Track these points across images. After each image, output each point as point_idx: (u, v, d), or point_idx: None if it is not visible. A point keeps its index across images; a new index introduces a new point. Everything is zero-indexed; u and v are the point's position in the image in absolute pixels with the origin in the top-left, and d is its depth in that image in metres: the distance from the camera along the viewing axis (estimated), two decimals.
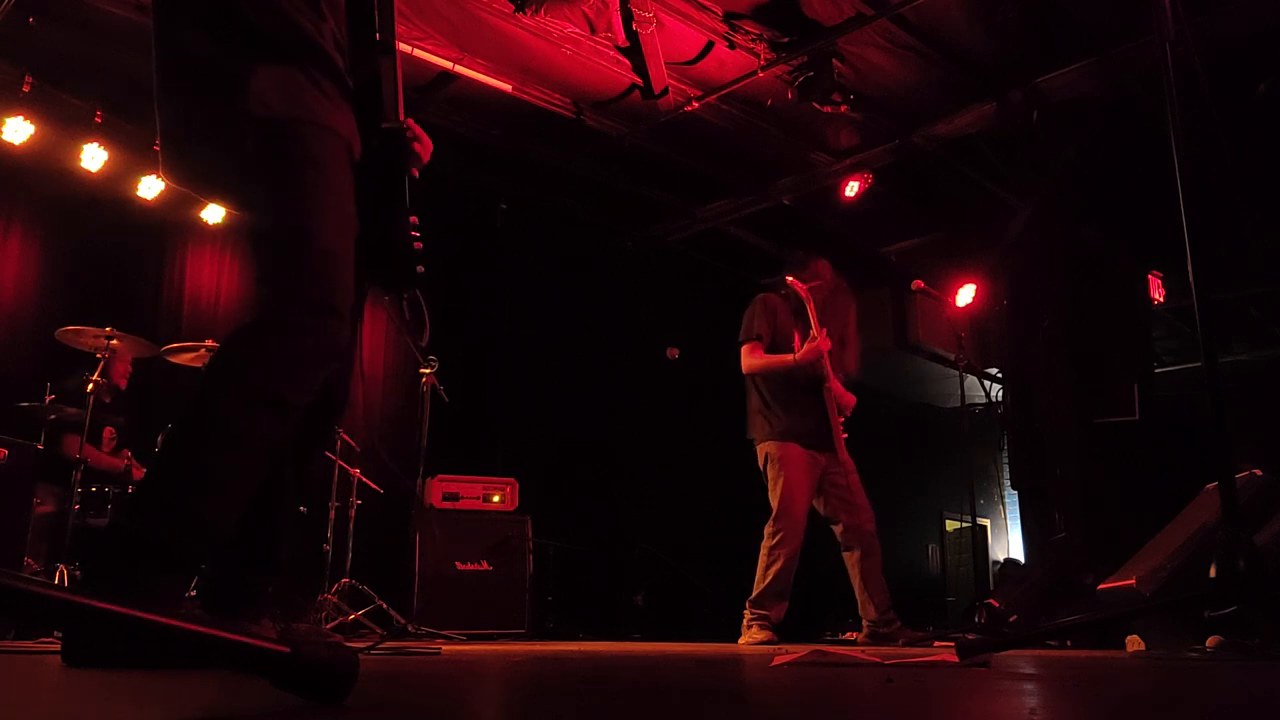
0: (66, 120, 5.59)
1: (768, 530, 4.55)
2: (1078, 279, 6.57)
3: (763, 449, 4.66)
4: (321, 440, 2.26)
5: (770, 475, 4.60)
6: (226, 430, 1.77)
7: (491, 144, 6.52)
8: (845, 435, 4.62)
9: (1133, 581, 3.30)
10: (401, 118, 2.07)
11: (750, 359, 4.65)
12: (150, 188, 5.90)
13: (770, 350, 4.62)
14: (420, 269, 2.10)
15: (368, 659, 2.12)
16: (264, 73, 1.88)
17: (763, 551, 4.53)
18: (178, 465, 1.77)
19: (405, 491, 5.06)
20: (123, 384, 4.99)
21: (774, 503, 4.56)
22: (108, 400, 4.87)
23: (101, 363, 4.53)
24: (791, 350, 4.57)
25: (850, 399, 4.74)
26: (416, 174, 2.19)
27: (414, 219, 2.08)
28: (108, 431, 5.00)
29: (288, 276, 1.89)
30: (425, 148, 2.19)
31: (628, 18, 5.24)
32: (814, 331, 4.50)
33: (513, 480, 5.61)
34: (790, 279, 4.60)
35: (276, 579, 2.05)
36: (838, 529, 4.63)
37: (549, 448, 6.90)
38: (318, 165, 1.91)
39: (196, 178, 2.04)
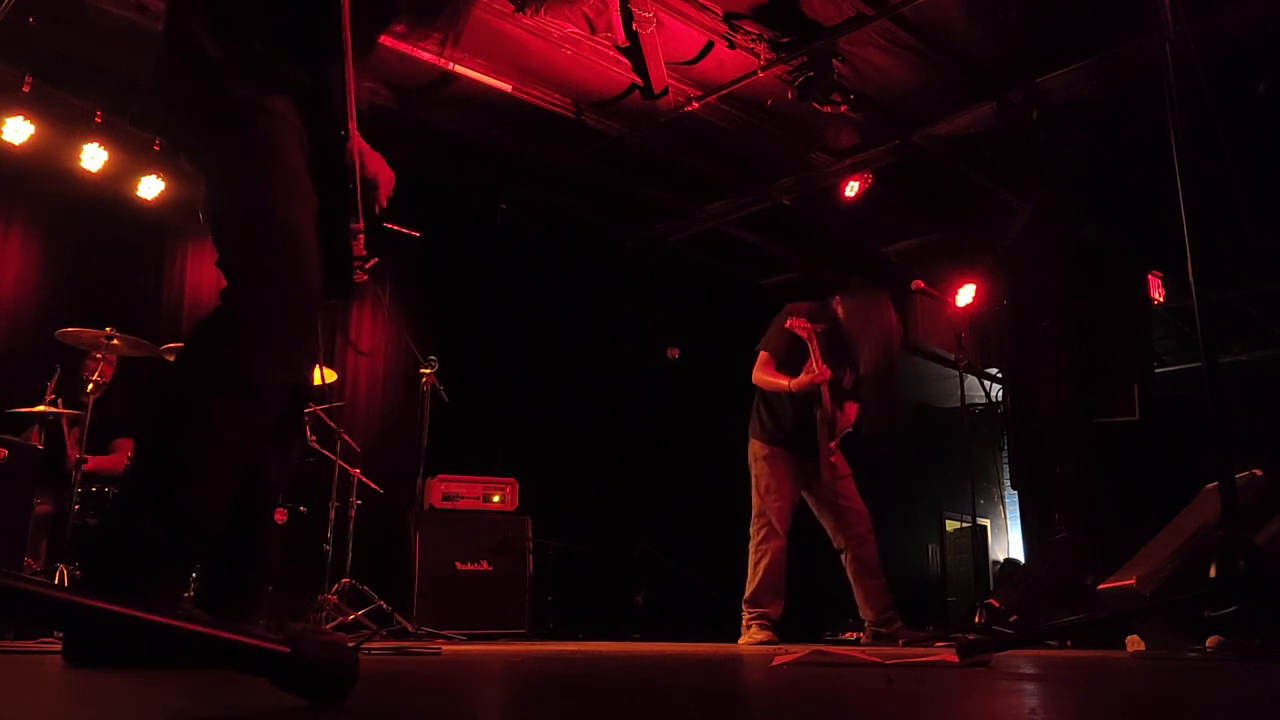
0: (66, 120, 5.58)
1: (752, 529, 4.66)
2: (1078, 279, 6.56)
3: (751, 447, 4.76)
4: (295, 423, 2.26)
5: (753, 473, 4.72)
6: (205, 422, 1.77)
7: (491, 144, 6.51)
8: (835, 460, 4.64)
9: (1133, 581, 3.30)
10: (353, 126, 2.03)
11: (756, 371, 4.72)
12: (150, 188, 5.89)
13: (781, 364, 4.65)
14: (363, 278, 2.11)
15: (368, 659, 2.12)
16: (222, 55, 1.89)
17: (751, 550, 4.63)
18: (161, 462, 1.77)
19: (404, 492, 5.05)
20: (103, 381, 4.98)
21: (755, 500, 4.68)
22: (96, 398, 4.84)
23: (100, 363, 4.52)
24: (802, 367, 4.57)
25: (852, 414, 4.74)
26: (384, 204, 2.19)
27: (358, 225, 2.07)
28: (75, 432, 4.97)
29: (248, 255, 1.88)
30: (385, 178, 2.18)
31: (628, 18, 5.23)
32: (812, 364, 4.50)
33: (513, 480, 5.61)
34: (789, 322, 4.57)
35: (263, 568, 2.05)
36: (830, 530, 4.68)
37: (549, 448, 6.89)
38: (270, 144, 1.90)
39: (164, 130, 2.06)
